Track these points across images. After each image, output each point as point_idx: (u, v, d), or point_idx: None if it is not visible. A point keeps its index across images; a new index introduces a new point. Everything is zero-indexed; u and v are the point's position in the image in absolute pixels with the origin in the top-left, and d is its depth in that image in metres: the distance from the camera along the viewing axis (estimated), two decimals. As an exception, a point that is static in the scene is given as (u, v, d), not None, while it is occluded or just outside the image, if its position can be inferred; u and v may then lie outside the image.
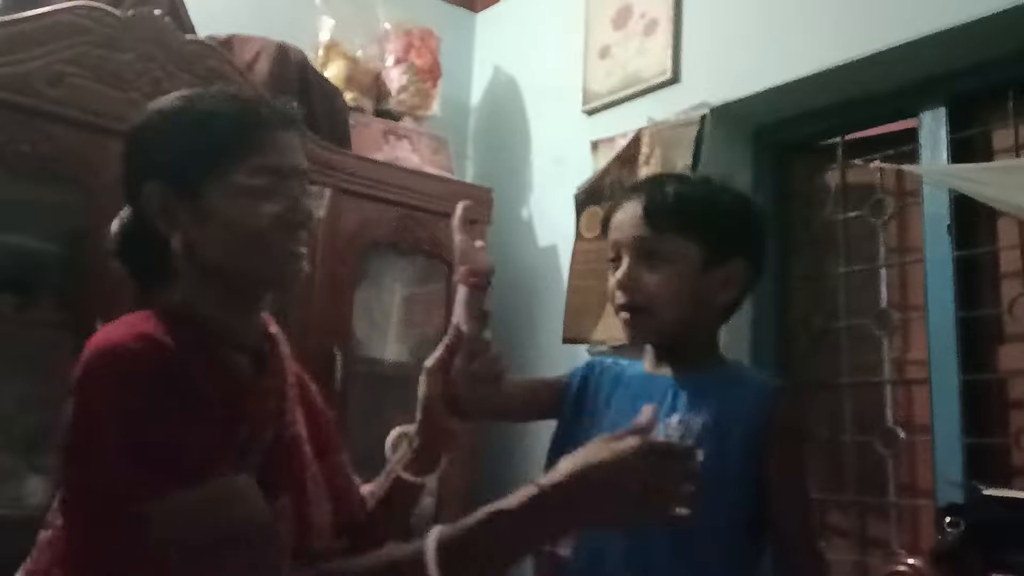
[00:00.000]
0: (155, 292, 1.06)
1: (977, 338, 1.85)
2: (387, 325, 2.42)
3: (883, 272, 2.06)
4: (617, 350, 2.25)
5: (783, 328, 2.20)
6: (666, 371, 1.19)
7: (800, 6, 2.05)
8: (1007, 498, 1.68)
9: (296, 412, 1.12)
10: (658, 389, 1.16)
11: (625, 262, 1.17)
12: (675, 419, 1.12)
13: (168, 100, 1.08)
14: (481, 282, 1.26)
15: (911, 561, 1.74)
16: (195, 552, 0.84)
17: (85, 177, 1.86)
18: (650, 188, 1.21)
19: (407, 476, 1.19)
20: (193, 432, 0.90)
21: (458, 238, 1.30)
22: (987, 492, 1.68)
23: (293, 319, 1.94)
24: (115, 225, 1.12)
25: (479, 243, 1.30)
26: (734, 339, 2.06)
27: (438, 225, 2.42)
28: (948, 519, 1.70)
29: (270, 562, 0.89)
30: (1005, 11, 1.67)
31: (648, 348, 1.23)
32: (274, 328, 1.15)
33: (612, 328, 2.20)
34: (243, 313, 1.08)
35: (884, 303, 2.03)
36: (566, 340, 2.34)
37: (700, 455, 0.97)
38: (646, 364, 1.23)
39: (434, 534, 0.87)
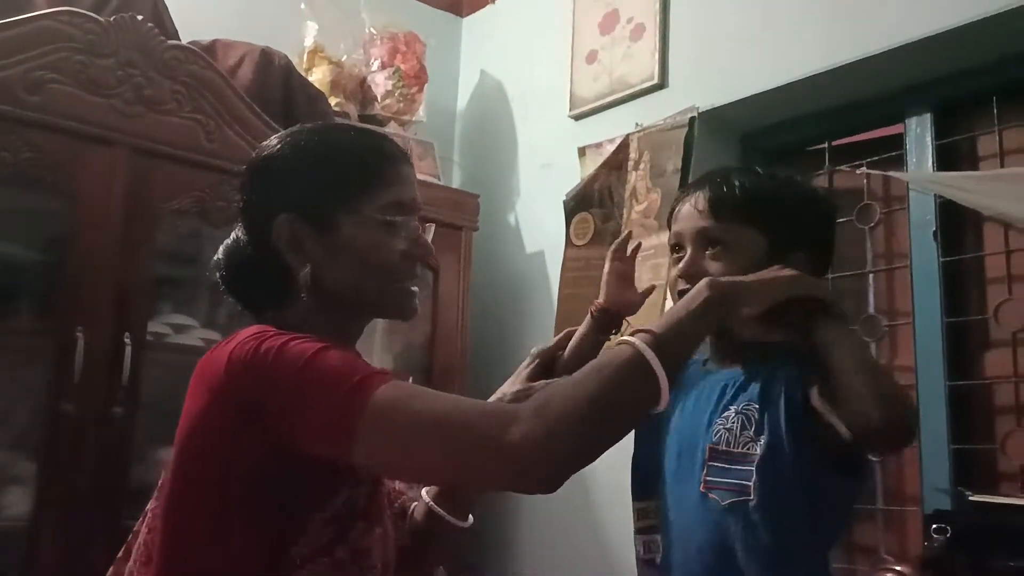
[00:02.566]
0: (264, 315, 1.07)
1: (963, 344, 1.86)
2: (372, 333, 2.40)
3: (870, 278, 2.05)
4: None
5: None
6: (722, 363, 1.21)
7: (787, 13, 2.04)
8: (993, 504, 1.68)
9: None
10: (715, 386, 1.18)
11: (688, 251, 1.18)
12: (732, 411, 1.13)
13: (298, 132, 1.09)
14: (600, 317, 1.27)
15: (898, 567, 1.74)
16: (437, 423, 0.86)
17: (66, 184, 1.84)
18: (715, 179, 1.21)
19: (451, 519, 1.17)
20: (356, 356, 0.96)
21: (607, 267, 1.31)
22: (973, 498, 1.69)
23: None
24: (221, 251, 1.12)
25: (642, 291, 1.31)
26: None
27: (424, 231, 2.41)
28: (935, 526, 1.70)
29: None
30: (989, 18, 1.68)
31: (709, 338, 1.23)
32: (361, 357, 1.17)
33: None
34: (345, 342, 1.08)
35: (871, 309, 2.03)
36: None
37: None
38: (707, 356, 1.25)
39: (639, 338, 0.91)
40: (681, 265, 1.18)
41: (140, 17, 1.96)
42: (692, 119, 2.14)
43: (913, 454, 1.85)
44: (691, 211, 1.20)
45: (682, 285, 1.16)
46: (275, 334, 0.93)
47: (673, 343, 0.92)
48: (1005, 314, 1.80)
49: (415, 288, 1.09)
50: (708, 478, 1.13)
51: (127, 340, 1.84)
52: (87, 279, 1.84)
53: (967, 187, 1.78)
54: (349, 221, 1.03)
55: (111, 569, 1.10)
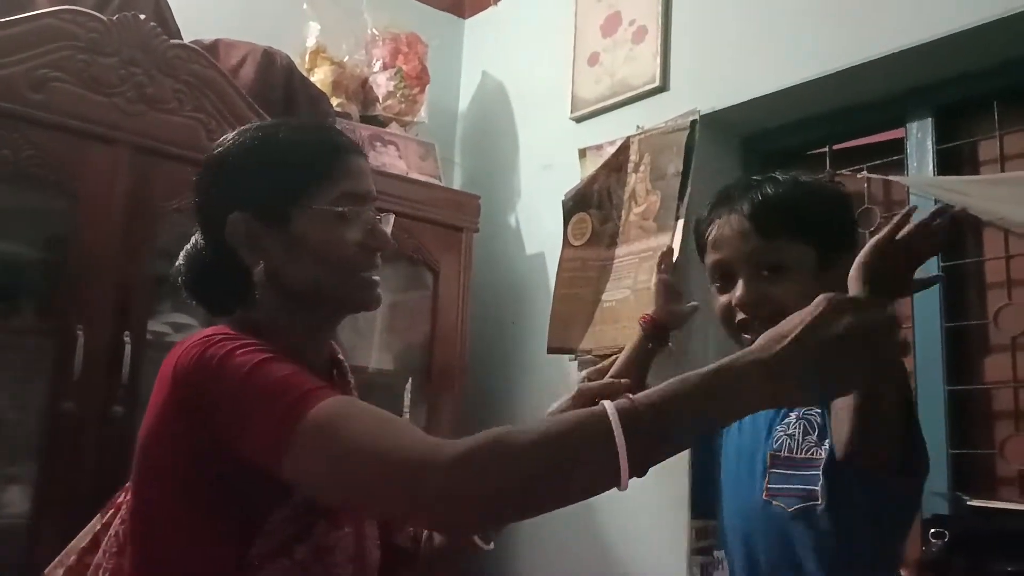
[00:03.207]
0: (232, 317, 1.07)
1: (963, 348, 1.86)
2: (371, 333, 2.41)
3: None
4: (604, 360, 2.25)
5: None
6: None
7: (789, 16, 2.05)
8: (991, 509, 1.68)
9: None
10: None
11: (743, 279, 1.11)
12: (793, 417, 1.10)
13: (247, 131, 1.09)
14: (648, 329, 1.24)
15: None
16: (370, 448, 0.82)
17: (68, 183, 1.84)
18: (750, 196, 1.14)
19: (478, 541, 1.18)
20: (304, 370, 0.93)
21: (655, 279, 1.29)
22: (972, 503, 1.69)
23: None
24: (181, 257, 1.13)
25: (689, 305, 1.28)
26: (726, 350, 2.06)
27: (424, 232, 2.41)
28: (933, 530, 1.70)
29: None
30: (991, 23, 1.68)
31: None
32: (340, 354, 1.17)
33: (599, 337, 2.20)
34: (315, 338, 1.09)
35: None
36: (551, 350, 2.33)
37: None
38: None
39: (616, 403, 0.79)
40: (739, 293, 1.11)
41: (143, 16, 1.96)
42: (693, 122, 2.14)
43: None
44: (733, 234, 1.13)
45: (740, 315, 1.11)
46: (221, 340, 0.92)
47: (659, 419, 0.77)
48: (1005, 319, 1.80)
49: (375, 278, 1.08)
50: (770, 485, 1.09)
51: (127, 339, 1.84)
52: (88, 278, 1.85)
53: (967, 191, 1.78)
54: (301, 216, 1.03)
55: (73, 559, 1.10)
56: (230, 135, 1.10)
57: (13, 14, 1.81)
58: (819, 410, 1.07)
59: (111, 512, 1.10)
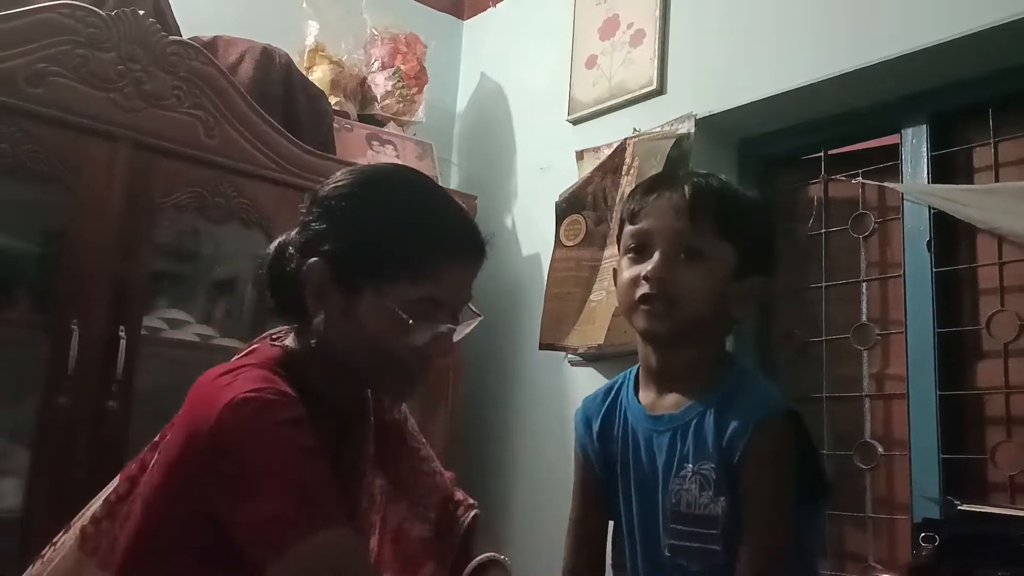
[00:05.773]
0: (282, 321, 1.09)
1: (955, 354, 1.87)
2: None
3: (863, 286, 2.07)
4: (593, 361, 2.26)
5: (765, 341, 2.21)
6: (665, 402, 1.14)
7: (786, 22, 2.06)
8: (982, 514, 1.69)
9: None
10: (664, 434, 1.12)
11: (659, 253, 1.10)
12: (688, 472, 1.09)
13: (369, 178, 1.06)
14: None
15: (886, 575, 1.75)
16: None
17: (65, 176, 1.84)
18: (694, 182, 1.13)
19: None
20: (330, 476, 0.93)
21: None
22: (962, 507, 1.69)
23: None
24: (274, 245, 1.11)
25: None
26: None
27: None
28: (923, 534, 1.71)
29: None
30: (987, 30, 1.69)
31: (645, 364, 1.17)
32: (396, 413, 1.20)
33: (587, 335, 2.21)
34: (344, 398, 1.09)
35: (864, 317, 2.04)
36: (542, 346, 2.34)
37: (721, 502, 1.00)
38: (642, 387, 1.18)
39: None
40: (651, 267, 1.09)
41: (141, 12, 1.97)
42: (683, 135, 2.15)
43: (904, 463, 1.86)
44: (666, 210, 1.11)
45: (644, 288, 1.09)
46: (270, 401, 0.92)
47: None
48: (997, 325, 1.81)
49: (418, 380, 1.07)
50: (671, 541, 1.09)
51: (122, 334, 1.84)
52: (84, 272, 1.85)
53: (962, 200, 1.79)
54: (371, 297, 1.00)
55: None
56: (352, 171, 1.07)
57: (12, 8, 1.82)
58: (712, 464, 1.07)
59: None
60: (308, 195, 1.08)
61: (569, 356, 2.32)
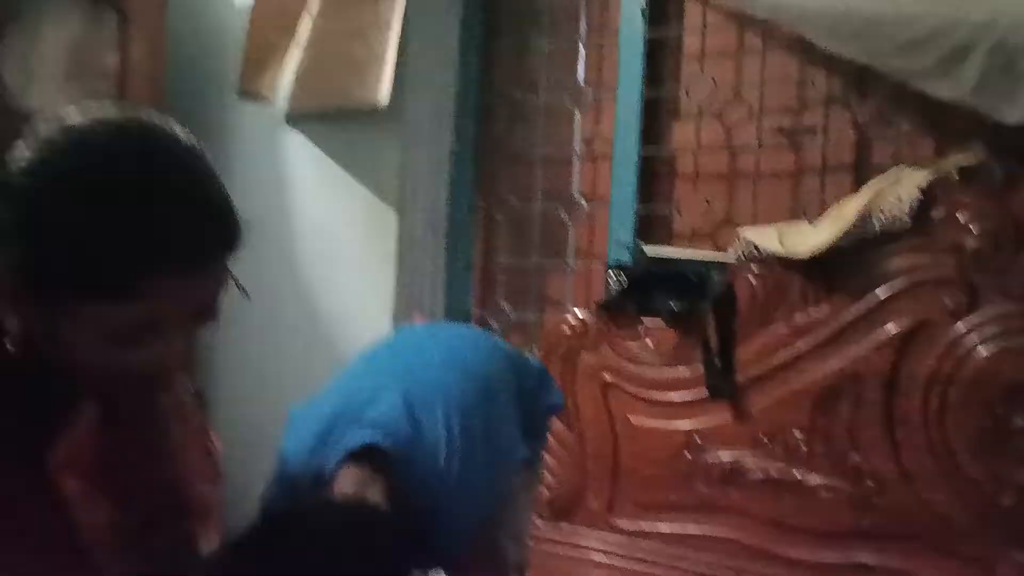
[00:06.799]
0: None
1: (656, 115, 1.98)
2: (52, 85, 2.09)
3: (582, 50, 2.11)
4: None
5: (483, 102, 2.21)
6: None
7: None
8: (665, 258, 1.87)
9: None
10: None
11: None
12: None
13: (56, 156, 0.69)
14: None
15: (579, 313, 1.91)
16: None
17: None
18: None
19: None
20: None
21: None
22: (647, 249, 1.86)
23: None
24: None
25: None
26: (436, 113, 2.07)
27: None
28: (613, 275, 1.87)
29: None
30: None
31: None
32: None
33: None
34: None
35: (581, 80, 2.10)
36: (242, 93, 2.25)
37: None
38: None
39: None
40: None
41: None
42: None
43: (604, 216, 1.99)
44: None
45: None
46: None
47: None
48: (695, 89, 1.93)
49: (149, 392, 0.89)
50: None
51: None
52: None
53: None
54: (64, 321, 0.71)
55: None
56: (45, 136, 0.70)
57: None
58: None
59: None
60: None
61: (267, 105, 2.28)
